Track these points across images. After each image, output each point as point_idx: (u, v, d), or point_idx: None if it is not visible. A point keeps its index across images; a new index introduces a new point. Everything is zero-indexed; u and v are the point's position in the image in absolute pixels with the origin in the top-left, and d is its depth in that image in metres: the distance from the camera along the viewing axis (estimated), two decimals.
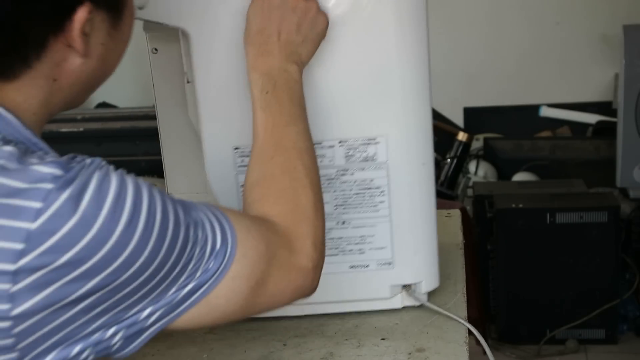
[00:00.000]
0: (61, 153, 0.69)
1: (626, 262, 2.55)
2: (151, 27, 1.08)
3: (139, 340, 0.70)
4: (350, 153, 1.03)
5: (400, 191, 1.04)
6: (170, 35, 1.05)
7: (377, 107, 1.01)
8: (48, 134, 0.74)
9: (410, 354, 1.00)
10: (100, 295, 0.64)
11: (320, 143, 1.01)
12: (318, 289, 0.93)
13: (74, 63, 0.71)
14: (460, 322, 1.07)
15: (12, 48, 0.67)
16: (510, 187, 2.73)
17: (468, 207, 2.59)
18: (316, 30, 0.92)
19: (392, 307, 1.10)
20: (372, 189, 1.04)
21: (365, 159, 1.03)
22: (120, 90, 3.14)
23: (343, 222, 1.06)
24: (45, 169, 0.62)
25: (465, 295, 1.13)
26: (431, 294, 1.13)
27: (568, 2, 3.16)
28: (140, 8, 0.91)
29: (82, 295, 0.62)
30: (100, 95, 3.24)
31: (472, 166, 3.01)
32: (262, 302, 0.78)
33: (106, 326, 0.66)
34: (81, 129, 2.75)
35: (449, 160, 2.88)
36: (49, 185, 0.61)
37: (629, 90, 2.57)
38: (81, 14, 0.68)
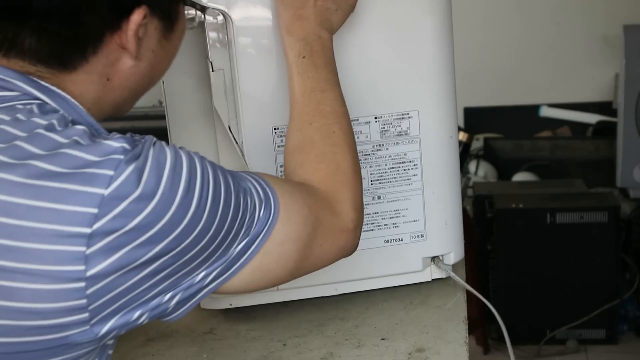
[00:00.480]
0: None
1: (626, 262, 2.55)
2: None
3: (190, 303, 0.74)
4: (385, 128, 1.07)
5: (431, 164, 1.09)
6: None
7: (410, 83, 1.06)
8: None
9: (410, 354, 1.00)
10: (165, 260, 0.68)
11: (357, 119, 1.05)
12: (354, 266, 1.00)
13: (126, 64, 0.75)
14: (460, 324, 1.07)
15: (72, 39, 0.71)
16: (511, 187, 2.73)
17: (468, 207, 2.59)
18: (348, 0, 0.95)
19: (422, 280, 1.13)
20: (405, 163, 1.08)
21: (399, 134, 1.07)
22: None
23: (378, 197, 1.09)
24: (116, 143, 0.67)
25: (465, 295, 1.13)
26: (430, 293, 1.14)
27: (568, 2, 3.16)
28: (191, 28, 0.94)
29: (148, 259, 0.67)
30: None
31: (472, 166, 3.01)
32: (310, 264, 0.82)
33: (166, 291, 0.70)
34: None
35: None
36: (120, 157, 0.66)
37: (629, 90, 2.57)
38: (137, 17, 0.73)
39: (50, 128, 0.67)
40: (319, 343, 1.04)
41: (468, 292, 1.15)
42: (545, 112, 3.20)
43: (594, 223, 2.39)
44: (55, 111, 0.70)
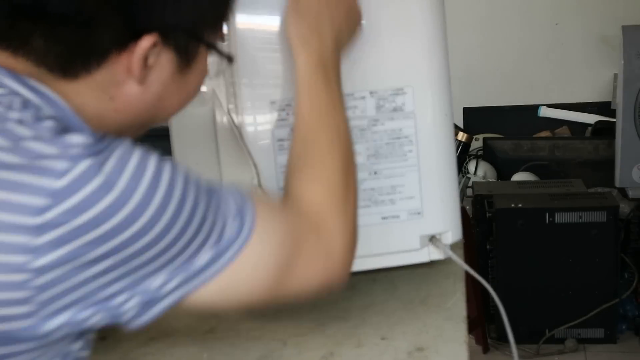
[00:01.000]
0: None
1: (625, 262, 2.55)
2: None
3: (150, 312, 0.71)
4: (380, 103, 1.08)
5: (426, 140, 1.10)
6: None
7: (403, 59, 1.07)
8: None
9: (410, 353, 1.00)
10: (119, 258, 0.66)
11: (352, 94, 1.06)
12: None
13: (131, 89, 0.73)
14: (460, 323, 1.07)
15: (78, 47, 0.70)
16: (510, 187, 2.73)
17: (468, 207, 2.59)
18: (356, 23, 0.97)
19: (420, 260, 1.13)
20: (401, 138, 1.09)
21: (394, 109, 1.08)
22: None
23: (375, 172, 1.10)
24: (78, 138, 0.65)
25: (465, 295, 1.14)
26: (430, 292, 1.14)
27: (567, 3, 3.17)
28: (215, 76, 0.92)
29: (99, 256, 0.65)
30: None
31: (471, 166, 3.01)
32: (288, 290, 0.78)
33: (120, 292, 0.68)
34: None
35: None
36: (78, 150, 0.64)
37: (628, 91, 2.57)
38: (146, 42, 0.70)
39: (20, 122, 0.66)
40: (319, 342, 1.05)
41: (468, 292, 1.15)
42: (545, 112, 3.20)
43: (593, 223, 2.40)
44: (38, 110, 0.68)
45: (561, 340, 2.50)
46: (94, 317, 0.68)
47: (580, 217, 2.40)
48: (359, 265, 1.14)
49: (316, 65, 0.90)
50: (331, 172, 0.85)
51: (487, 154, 3.05)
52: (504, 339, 2.48)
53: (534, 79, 3.24)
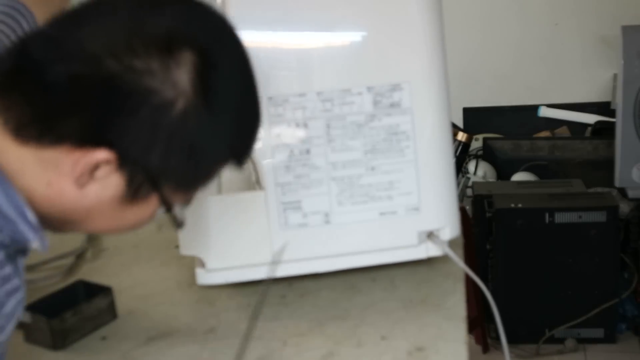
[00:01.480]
0: None
1: (625, 262, 2.55)
2: None
3: None
4: (377, 99, 1.08)
5: (423, 136, 1.11)
6: None
7: (400, 55, 1.09)
8: None
9: (410, 353, 1.00)
10: None
11: (349, 90, 1.07)
12: (349, 239, 1.04)
13: (68, 187, 0.71)
14: (460, 323, 1.07)
15: (43, 115, 0.70)
16: (510, 187, 2.73)
17: (467, 207, 2.59)
18: None
19: (418, 256, 1.14)
20: (398, 134, 1.10)
21: (392, 105, 1.09)
22: None
23: (372, 168, 1.10)
24: None
25: (465, 295, 1.14)
26: (430, 292, 1.14)
27: (567, 3, 3.17)
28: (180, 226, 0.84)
29: None
30: None
31: (471, 166, 3.01)
32: None
33: None
34: None
35: None
36: None
37: (628, 91, 2.57)
38: (102, 154, 0.69)
39: None
40: (319, 342, 1.05)
41: (467, 292, 1.16)
42: (544, 112, 3.20)
43: (592, 223, 2.39)
44: None
45: (561, 340, 2.50)
46: None
47: (580, 217, 2.40)
48: (357, 261, 1.14)
49: None
50: None
51: (487, 154, 3.05)
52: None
53: (533, 79, 3.24)
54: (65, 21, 0.73)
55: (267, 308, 1.15)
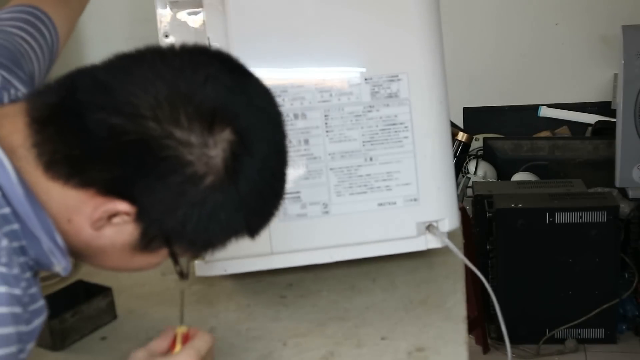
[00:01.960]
0: None
1: (625, 262, 2.55)
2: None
3: None
4: (375, 90, 1.09)
5: (422, 127, 1.11)
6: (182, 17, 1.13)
7: (398, 46, 1.09)
8: None
9: (410, 353, 1.00)
10: None
11: (347, 81, 1.08)
12: (348, 230, 1.04)
13: (85, 226, 0.74)
14: (460, 324, 1.07)
15: (75, 158, 0.71)
16: (510, 187, 2.73)
17: (468, 207, 2.59)
18: None
19: (417, 248, 1.14)
20: (396, 125, 1.10)
21: (389, 96, 1.10)
22: None
23: (371, 159, 1.11)
24: None
25: (465, 295, 1.14)
26: (430, 293, 1.14)
27: (567, 3, 3.16)
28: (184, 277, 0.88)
29: None
30: None
31: (471, 166, 3.01)
32: None
33: None
34: None
35: None
36: None
37: (628, 91, 2.57)
38: (122, 206, 0.72)
39: None
40: (319, 343, 1.05)
41: (468, 292, 1.15)
42: (545, 112, 3.20)
43: (593, 223, 2.39)
44: None
45: (561, 341, 2.50)
46: None
47: (581, 217, 2.40)
48: (356, 253, 1.15)
49: None
50: None
51: (487, 154, 3.05)
52: (504, 339, 2.47)
53: (534, 79, 3.24)
54: (117, 68, 0.73)
55: (267, 308, 1.15)
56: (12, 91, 0.84)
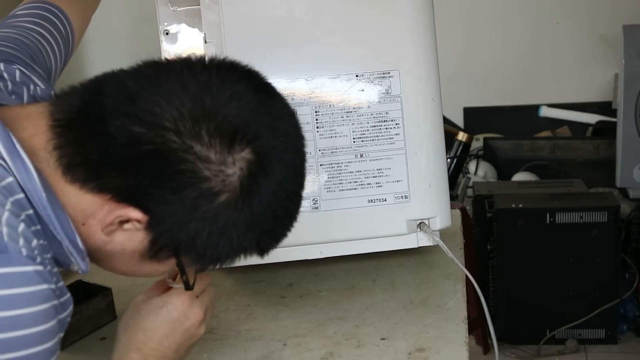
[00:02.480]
0: None
1: (626, 262, 2.55)
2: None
3: None
4: (366, 86, 1.09)
5: (413, 124, 1.11)
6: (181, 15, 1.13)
7: (390, 42, 1.09)
8: None
9: (410, 354, 1.00)
10: None
11: (338, 76, 1.08)
12: (338, 226, 1.05)
13: (97, 230, 0.75)
14: (460, 324, 1.07)
15: (93, 162, 0.72)
16: (510, 187, 2.73)
17: (468, 207, 2.59)
18: (184, 353, 0.91)
19: (408, 245, 1.14)
20: (387, 122, 1.11)
21: (381, 92, 1.10)
22: None
23: (361, 155, 1.11)
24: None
25: (465, 295, 1.14)
26: (430, 293, 1.14)
27: (568, 3, 3.16)
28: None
29: None
30: None
31: (472, 166, 3.01)
32: None
33: None
34: None
35: (448, 160, 2.87)
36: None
37: (629, 90, 2.57)
38: (135, 214, 0.72)
39: None
40: (319, 343, 1.04)
41: (468, 292, 1.15)
42: (545, 112, 3.20)
43: (593, 223, 2.39)
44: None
45: (562, 341, 2.50)
46: None
47: (581, 217, 2.40)
48: (347, 249, 1.15)
49: None
50: None
51: (488, 154, 3.05)
52: (504, 339, 2.48)
53: (534, 79, 3.24)
54: (144, 77, 0.73)
55: (267, 308, 1.15)
56: (32, 87, 0.85)
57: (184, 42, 1.20)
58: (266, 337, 1.07)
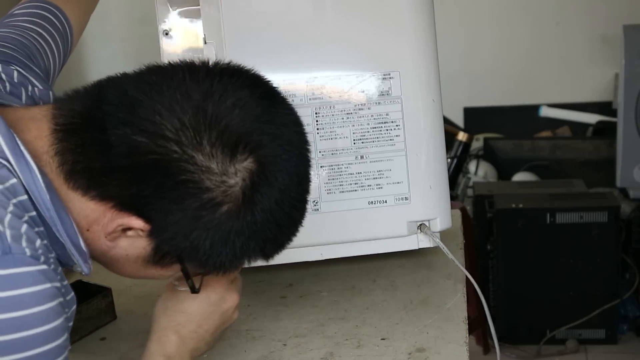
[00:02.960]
0: None
1: (626, 262, 2.55)
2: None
3: None
4: (366, 88, 1.09)
5: (414, 126, 1.11)
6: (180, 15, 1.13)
7: (390, 44, 1.09)
8: None
9: (410, 354, 1.00)
10: None
11: (338, 78, 1.07)
12: (339, 228, 1.05)
13: (101, 236, 0.75)
14: (460, 324, 1.06)
15: (94, 169, 0.72)
16: (510, 187, 2.73)
17: (468, 207, 2.59)
18: (218, 338, 0.91)
19: (409, 247, 1.14)
20: (388, 123, 1.10)
21: (381, 94, 1.09)
22: None
23: (361, 157, 1.11)
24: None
25: (465, 295, 1.13)
26: (430, 293, 1.14)
27: (568, 3, 3.16)
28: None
29: None
30: None
31: (472, 166, 3.01)
32: None
33: None
34: None
35: (449, 160, 2.88)
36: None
37: (629, 90, 2.57)
38: (137, 223, 0.72)
39: None
40: (319, 343, 1.04)
41: (468, 292, 1.15)
42: (545, 112, 3.20)
43: (594, 223, 2.39)
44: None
45: (562, 341, 2.50)
46: None
47: (581, 217, 2.40)
48: (348, 250, 1.14)
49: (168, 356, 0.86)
50: None
51: (488, 154, 3.05)
52: (504, 339, 2.48)
53: (534, 79, 3.24)
54: (146, 83, 0.73)
55: (267, 309, 1.15)
56: (30, 87, 0.85)
57: (184, 42, 1.19)
58: (266, 337, 1.07)
